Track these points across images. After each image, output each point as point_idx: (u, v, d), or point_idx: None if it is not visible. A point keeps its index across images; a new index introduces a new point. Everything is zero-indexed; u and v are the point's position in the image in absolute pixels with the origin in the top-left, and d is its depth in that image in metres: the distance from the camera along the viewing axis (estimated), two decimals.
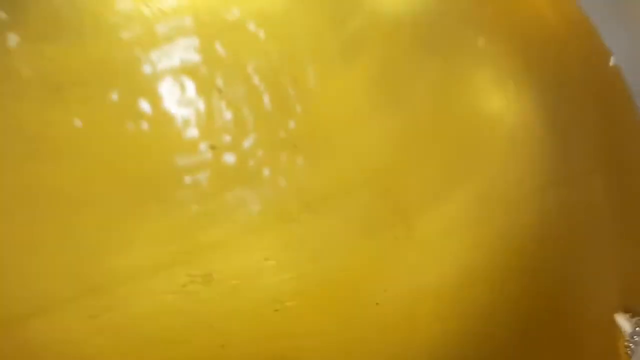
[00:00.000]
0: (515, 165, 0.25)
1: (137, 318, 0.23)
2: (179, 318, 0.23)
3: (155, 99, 0.25)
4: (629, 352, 0.22)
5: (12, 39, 0.24)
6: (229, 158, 0.25)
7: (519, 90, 0.26)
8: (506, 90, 0.26)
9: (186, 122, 0.25)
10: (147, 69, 0.25)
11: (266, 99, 0.25)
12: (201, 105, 0.25)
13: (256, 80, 0.25)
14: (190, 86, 0.25)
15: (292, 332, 0.23)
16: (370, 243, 0.24)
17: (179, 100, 0.25)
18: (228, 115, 0.25)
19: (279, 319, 0.23)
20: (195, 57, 0.25)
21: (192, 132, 0.25)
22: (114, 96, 0.24)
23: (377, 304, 0.24)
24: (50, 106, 0.24)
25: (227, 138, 0.25)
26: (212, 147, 0.24)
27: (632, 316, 0.23)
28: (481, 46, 0.26)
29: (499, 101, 0.26)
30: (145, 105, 0.24)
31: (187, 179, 0.24)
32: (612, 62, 0.26)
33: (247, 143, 0.25)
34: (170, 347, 0.22)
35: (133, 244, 0.23)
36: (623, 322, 0.23)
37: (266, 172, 0.24)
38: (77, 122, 0.24)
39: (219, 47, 0.25)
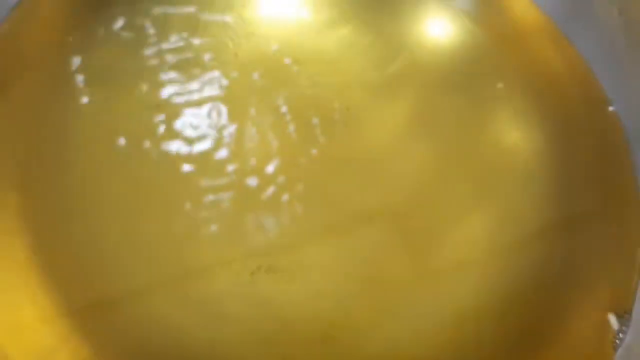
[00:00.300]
0: (528, 196, 0.27)
1: (214, 298, 0.26)
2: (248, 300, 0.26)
3: (192, 122, 0.28)
4: (614, 346, 0.25)
5: None
6: (252, 182, 0.27)
7: (531, 129, 0.28)
8: (521, 129, 0.28)
9: (217, 145, 0.27)
10: (190, 95, 0.28)
11: (291, 128, 0.28)
12: (232, 129, 0.27)
13: (284, 110, 0.28)
14: (224, 112, 0.28)
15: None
16: (387, 266, 0.26)
17: (212, 124, 0.27)
18: (255, 140, 0.28)
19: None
20: (232, 86, 0.28)
21: (222, 153, 0.27)
22: (159, 117, 0.27)
23: (393, 316, 0.26)
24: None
25: (253, 161, 0.27)
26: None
27: (620, 317, 0.26)
28: (500, 89, 0.28)
29: (514, 138, 0.28)
30: (182, 126, 0.27)
31: (210, 197, 0.27)
32: (611, 108, 0.28)
33: (269, 168, 0.27)
34: (241, 323, 0.25)
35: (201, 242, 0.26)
36: (613, 321, 0.26)
37: (285, 197, 0.27)
38: (121, 140, 0.27)
39: (255, 77, 0.28)
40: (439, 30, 0.30)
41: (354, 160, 0.27)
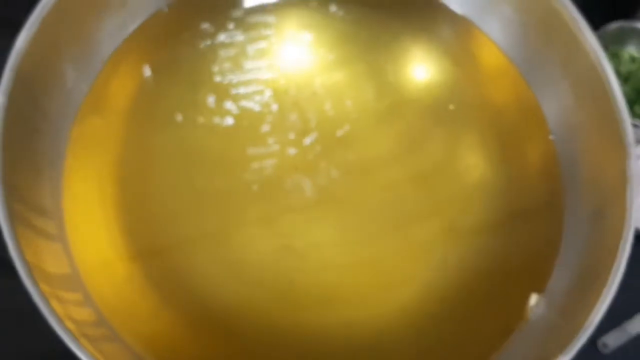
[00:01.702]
0: (482, 198, 0.33)
1: (244, 258, 0.31)
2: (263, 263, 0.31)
3: (239, 101, 0.32)
4: (530, 314, 0.31)
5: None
6: (292, 151, 0.32)
7: (489, 150, 0.34)
8: (480, 149, 0.34)
9: (261, 119, 0.32)
10: (238, 81, 0.32)
11: (328, 106, 0.33)
12: (275, 107, 0.32)
13: (321, 91, 0.33)
14: (268, 94, 0.32)
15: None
16: (397, 232, 0.32)
17: (258, 102, 0.32)
18: (295, 116, 0.32)
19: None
20: (275, 74, 0.33)
21: (265, 127, 0.32)
22: (211, 98, 0.32)
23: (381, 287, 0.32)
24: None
25: (292, 135, 0.32)
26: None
27: (538, 293, 0.32)
28: (467, 119, 0.34)
29: (475, 156, 0.34)
30: (231, 106, 0.32)
31: (255, 165, 0.31)
32: (551, 136, 0.34)
33: (308, 140, 0.32)
34: (260, 284, 0.31)
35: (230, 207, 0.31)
36: (533, 296, 0.31)
37: (322, 164, 0.32)
38: (179, 116, 0.32)
39: (296, 66, 0.33)
40: (425, 70, 0.36)
41: (356, 165, 0.33)
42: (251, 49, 0.33)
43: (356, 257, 0.32)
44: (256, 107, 0.32)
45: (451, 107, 0.35)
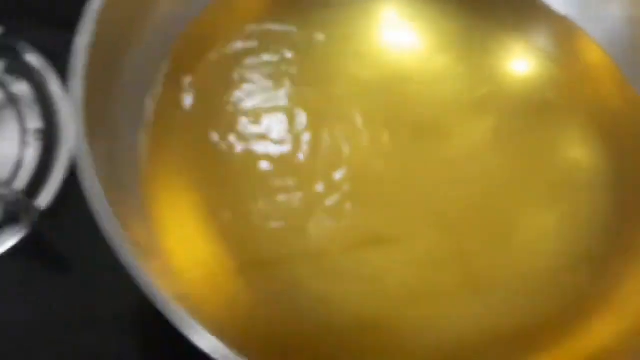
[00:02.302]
0: (588, 212, 0.30)
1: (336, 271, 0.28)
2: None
3: (274, 126, 0.30)
4: None
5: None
6: (319, 187, 0.29)
7: (592, 152, 0.31)
8: (582, 151, 0.31)
9: (294, 149, 0.30)
10: (276, 103, 0.31)
11: (364, 139, 0.30)
12: (307, 136, 0.30)
13: (359, 122, 0.30)
14: (304, 121, 0.30)
15: None
16: (432, 273, 0.28)
17: (291, 130, 0.30)
18: (328, 147, 0.30)
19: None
20: (316, 99, 0.31)
21: (298, 157, 0.29)
22: (246, 119, 0.30)
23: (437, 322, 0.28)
24: None
25: (322, 167, 0.29)
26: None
27: None
28: (566, 115, 0.32)
29: (576, 157, 0.31)
30: (265, 129, 0.30)
31: (281, 197, 0.29)
32: None
33: (337, 175, 0.30)
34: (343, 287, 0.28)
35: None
36: None
37: (348, 206, 0.29)
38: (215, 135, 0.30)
39: (338, 91, 0.31)
40: (521, 65, 0.33)
41: (434, 164, 0.30)
42: (296, 69, 0.31)
43: (409, 285, 0.29)
44: (290, 133, 0.30)
45: (546, 104, 0.32)
